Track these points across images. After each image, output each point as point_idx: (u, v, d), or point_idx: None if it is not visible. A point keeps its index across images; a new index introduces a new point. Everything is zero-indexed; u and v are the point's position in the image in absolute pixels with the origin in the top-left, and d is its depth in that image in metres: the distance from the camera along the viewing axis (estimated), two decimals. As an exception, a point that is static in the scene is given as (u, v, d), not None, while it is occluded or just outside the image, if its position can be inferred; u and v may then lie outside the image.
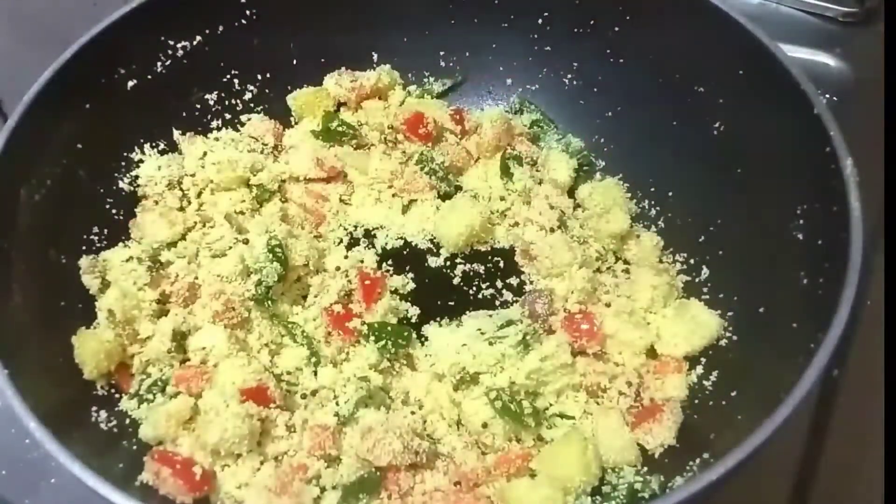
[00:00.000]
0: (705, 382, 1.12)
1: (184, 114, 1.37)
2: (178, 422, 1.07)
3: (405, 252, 1.30)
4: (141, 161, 1.31)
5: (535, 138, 1.41)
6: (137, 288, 1.17)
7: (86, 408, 1.09)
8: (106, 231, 1.24)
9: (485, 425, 1.09)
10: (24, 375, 0.97)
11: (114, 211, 1.27)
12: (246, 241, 1.23)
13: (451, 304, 1.24)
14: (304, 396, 1.13)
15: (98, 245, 1.23)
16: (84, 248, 1.21)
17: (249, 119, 1.41)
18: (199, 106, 1.38)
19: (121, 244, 1.23)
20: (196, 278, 1.20)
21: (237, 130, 1.40)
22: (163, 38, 1.31)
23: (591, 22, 1.33)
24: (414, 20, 1.43)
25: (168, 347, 1.13)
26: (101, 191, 1.27)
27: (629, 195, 1.33)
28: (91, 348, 1.10)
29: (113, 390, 1.12)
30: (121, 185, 1.29)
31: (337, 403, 1.11)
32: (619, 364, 1.16)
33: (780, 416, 0.88)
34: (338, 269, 1.24)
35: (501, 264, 1.28)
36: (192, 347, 1.15)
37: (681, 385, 1.12)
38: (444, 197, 1.34)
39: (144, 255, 1.20)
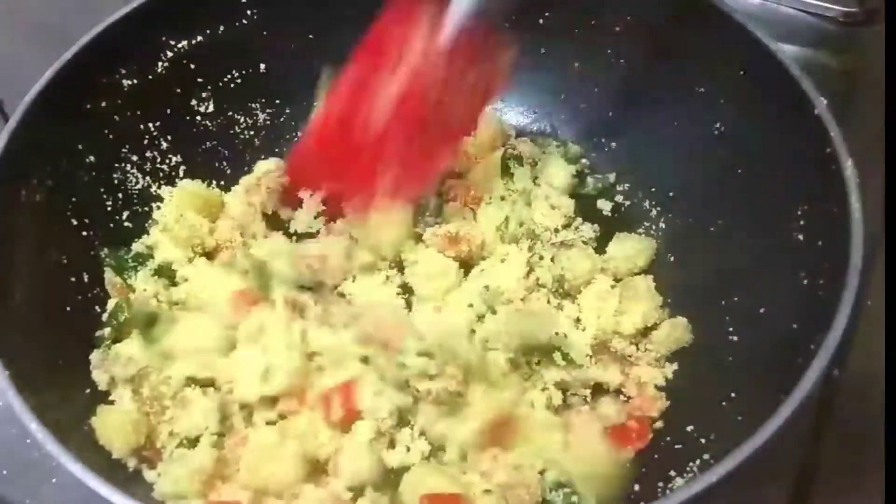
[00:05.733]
0: (705, 382, 1.12)
1: (186, 116, 1.37)
2: (201, 478, 1.04)
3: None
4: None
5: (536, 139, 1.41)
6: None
7: (87, 408, 1.09)
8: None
9: None
10: (26, 376, 0.97)
11: (115, 211, 1.27)
12: None
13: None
14: None
15: (99, 245, 1.23)
16: (85, 248, 1.21)
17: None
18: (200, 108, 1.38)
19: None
20: None
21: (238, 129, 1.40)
22: (163, 38, 1.30)
23: (592, 22, 1.33)
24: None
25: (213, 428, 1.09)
26: (102, 191, 1.27)
27: (630, 195, 1.34)
28: (116, 423, 1.06)
29: (144, 465, 1.09)
30: (121, 185, 1.29)
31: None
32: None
33: (781, 416, 0.88)
34: None
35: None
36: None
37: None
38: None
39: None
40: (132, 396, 1.11)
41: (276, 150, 1.44)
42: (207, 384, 1.14)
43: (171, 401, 1.11)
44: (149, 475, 1.08)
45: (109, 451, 1.06)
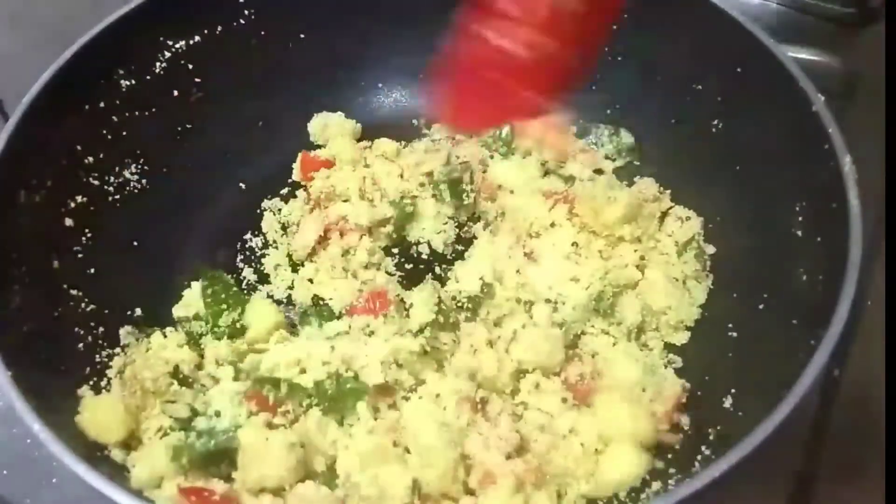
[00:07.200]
0: (706, 380, 1.12)
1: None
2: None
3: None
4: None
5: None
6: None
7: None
8: (106, 232, 1.24)
9: None
10: (27, 376, 0.97)
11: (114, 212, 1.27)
12: None
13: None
14: None
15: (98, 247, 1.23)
16: (85, 249, 1.21)
17: None
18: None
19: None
20: None
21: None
22: (161, 39, 1.31)
23: (591, 21, 1.33)
24: (415, 21, 1.42)
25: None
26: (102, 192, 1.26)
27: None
28: (103, 415, 1.04)
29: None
30: (122, 185, 1.29)
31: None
32: None
33: (781, 412, 0.88)
34: None
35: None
36: None
37: None
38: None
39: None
40: (118, 382, 1.09)
41: (275, 150, 1.43)
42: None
43: (156, 396, 1.08)
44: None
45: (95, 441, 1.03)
